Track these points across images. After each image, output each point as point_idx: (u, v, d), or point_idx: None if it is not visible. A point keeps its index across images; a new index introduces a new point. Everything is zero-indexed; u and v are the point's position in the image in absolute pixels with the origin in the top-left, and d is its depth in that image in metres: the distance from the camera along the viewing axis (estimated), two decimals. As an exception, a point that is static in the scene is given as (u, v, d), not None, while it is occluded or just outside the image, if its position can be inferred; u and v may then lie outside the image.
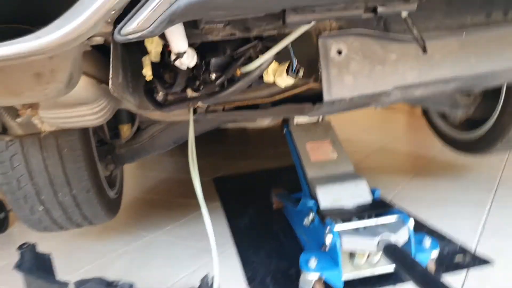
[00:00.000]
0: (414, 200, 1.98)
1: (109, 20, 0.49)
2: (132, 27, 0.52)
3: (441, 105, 2.11)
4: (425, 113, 2.65)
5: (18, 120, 1.25)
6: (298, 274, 1.29)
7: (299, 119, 1.89)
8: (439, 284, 0.92)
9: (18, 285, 1.23)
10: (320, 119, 1.91)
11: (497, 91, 1.95)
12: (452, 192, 2.05)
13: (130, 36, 0.51)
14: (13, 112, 1.23)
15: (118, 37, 0.51)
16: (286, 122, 1.95)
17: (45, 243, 1.90)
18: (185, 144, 1.12)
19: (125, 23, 0.51)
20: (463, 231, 1.60)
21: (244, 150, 3.56)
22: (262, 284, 1.38)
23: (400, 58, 0.93)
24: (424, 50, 0.88)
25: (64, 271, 1.38)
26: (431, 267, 1.30)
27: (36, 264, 1.25)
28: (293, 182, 1.91)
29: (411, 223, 1.27)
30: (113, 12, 0.48)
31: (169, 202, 2.37)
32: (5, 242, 2.09)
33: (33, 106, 0.69)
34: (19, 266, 1.22)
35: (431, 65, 0.95)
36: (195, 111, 1.17)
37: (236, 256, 1.60)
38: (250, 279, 1.42)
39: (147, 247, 1.82)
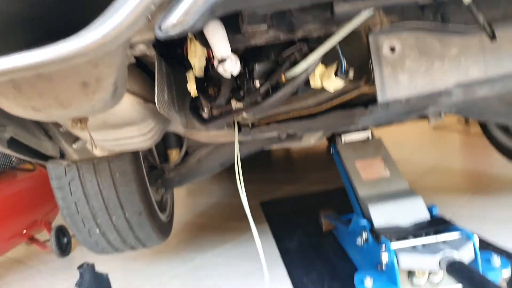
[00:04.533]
0: (475, 219, 1.83)
1: (150, 17, 0.49)
2: (172, 21, 0.50)
3: (503, 117, 1.96)
4: (484, 128, 2.49)
5: (74, 145, 1.33)
6: (352, 295, 1.22)
7: (347, 137, 1.83)
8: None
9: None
10: (369, 137, 1.84)
11: None
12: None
13: (171, 31, 0.51)
14: (69, 138, 1.31)
15: (159, 33, 0.51)
16: (333, 141, 1.90)
17: (103, 265, 1.97)
18: (231, 170, 1.10)
19: (165, 17, 0.50)
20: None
21: (288, 175, 3.53)
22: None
23: (462, 51, 0.84)
24: (493, 37, 0.76)
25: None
26: (503, 287, 1.18)
27: (95, 283, 1.30)
28: (341, 204, 1.84)
29: (476, 239, 1.17)
30: (153, 6, 0.48)
31: (218, 226, 2.38)
32: (67, 265, 2.19)
33: (83, 121, 0.72)
34: (79, 285, 1.27)
35: (499, 57, 0.85)
36: (240, 129, 1.18)
37: (286, 278, 1.56)
38: (302, 301, 1.37)
39: (198, 269, 1.82)
